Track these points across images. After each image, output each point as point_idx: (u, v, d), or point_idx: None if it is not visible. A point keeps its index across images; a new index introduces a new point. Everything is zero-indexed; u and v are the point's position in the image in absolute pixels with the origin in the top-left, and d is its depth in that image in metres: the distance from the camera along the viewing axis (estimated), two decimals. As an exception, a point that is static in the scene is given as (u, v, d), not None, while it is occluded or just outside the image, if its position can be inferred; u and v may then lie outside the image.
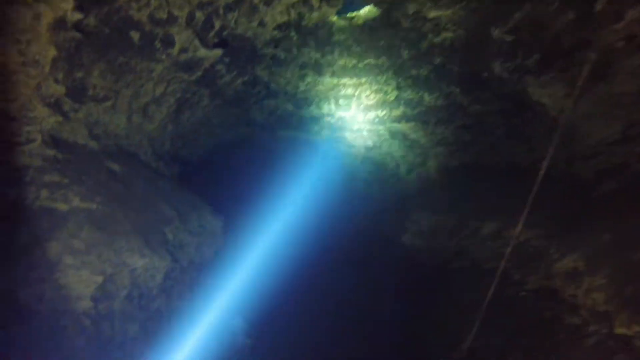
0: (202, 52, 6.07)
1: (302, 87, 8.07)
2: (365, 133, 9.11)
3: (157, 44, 5.56)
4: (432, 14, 5.49)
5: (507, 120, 6.50)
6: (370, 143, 9.17)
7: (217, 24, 5.72)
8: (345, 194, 9.79)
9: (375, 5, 5.95)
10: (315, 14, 6.12)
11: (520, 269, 4.50)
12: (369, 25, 6.24)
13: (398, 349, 6.60)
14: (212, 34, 5.84)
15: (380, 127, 8.76)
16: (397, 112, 8.24)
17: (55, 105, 5.34)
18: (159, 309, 5.88)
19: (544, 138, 6.14)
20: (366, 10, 6.16)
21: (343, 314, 9.30)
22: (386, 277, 8.48)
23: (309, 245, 10.85)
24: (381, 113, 8.41)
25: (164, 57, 5.83)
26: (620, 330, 3.80)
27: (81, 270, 4.74)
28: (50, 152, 5.24)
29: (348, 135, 9.22)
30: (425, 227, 6.88)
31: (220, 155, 10.33)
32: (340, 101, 8.41)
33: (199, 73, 6.59)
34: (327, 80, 7.76)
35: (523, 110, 6.13)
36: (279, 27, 6.23)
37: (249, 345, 8.45)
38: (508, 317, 4.46)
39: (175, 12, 5.22)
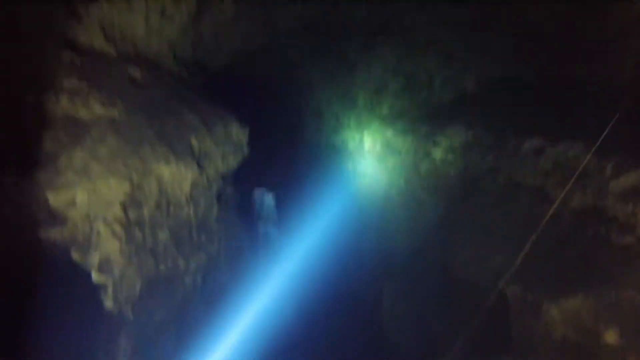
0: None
1: (331, -13, 7.31)
2: (398, 42, 8.42)
3: None
4: None
5: (566, 28, 5.76)
6: (403, 52, 8.51)
7: None
8: (373, 105, 9.36)
9: None
10: None
11: (563, 186, 4.22)
12: None
13: (429, 273, 6.52)
14: None
15: (416, 35, 8.04)
16: (435, 18, 7.48)
17: (67, 4, 5.00)
18: (187, 218, 5.98)
19: (607, 47, 5.45)
20: None
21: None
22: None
23: (328, 162, 10.74)
24: (418, 18, 7.65)
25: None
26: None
27: (108, 177, 4.73)
28: (67, 56, 5.01)
29: (379, 41, 8.55)
30: (458, 142, 6.52)
31: (244, 66, 9.88)
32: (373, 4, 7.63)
33: (219, -32, 5.98)
34: (360, -20, 6.97)
35: (587, 14, 5.36)
36: None
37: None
38: (541, 238, 4.27)
39: None
